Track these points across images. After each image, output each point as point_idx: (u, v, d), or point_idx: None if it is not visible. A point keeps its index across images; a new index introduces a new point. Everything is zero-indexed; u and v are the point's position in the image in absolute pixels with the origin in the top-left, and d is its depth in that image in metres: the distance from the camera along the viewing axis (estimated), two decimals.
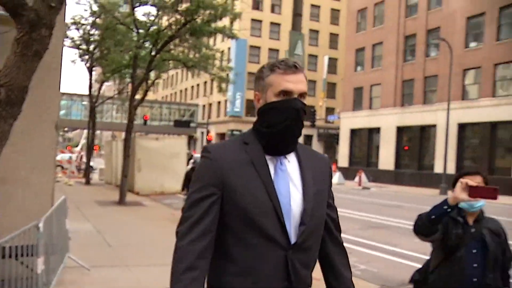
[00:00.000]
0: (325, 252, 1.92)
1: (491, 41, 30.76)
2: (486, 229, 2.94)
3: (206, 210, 1.71)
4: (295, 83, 1.78)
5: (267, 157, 1.79)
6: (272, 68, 1.81)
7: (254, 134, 1.85)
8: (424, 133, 35.74)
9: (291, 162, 1.84)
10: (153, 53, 16.97)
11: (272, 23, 57.24)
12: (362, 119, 41.36)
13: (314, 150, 2.03)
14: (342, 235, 2.01)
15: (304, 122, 1.84)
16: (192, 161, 14.88)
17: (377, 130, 39.88)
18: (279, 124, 1.76)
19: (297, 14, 7.91)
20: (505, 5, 30.10)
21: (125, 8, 19.33)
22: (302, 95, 1.80)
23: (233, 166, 1.74)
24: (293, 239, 1.72)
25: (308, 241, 1.76)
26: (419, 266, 3.32)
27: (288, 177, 1.79)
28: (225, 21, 17.36)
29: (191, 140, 61.02)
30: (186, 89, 71.68)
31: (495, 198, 2.33)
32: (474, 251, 2.90)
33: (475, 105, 31.21)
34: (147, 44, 18.06)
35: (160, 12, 17.26)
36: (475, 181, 2.72)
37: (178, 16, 16.34)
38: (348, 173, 37.96)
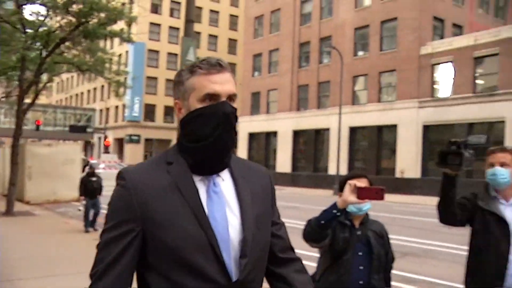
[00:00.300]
0: (277, 273, 1.65)
1: (376, 51, 33.22)
2: (371, 231, 2.98)
3: (122, 250, 1.42)
4: (222, 83, 1.50)
5: (196, 178, 1.50)
6: (192, 69, 1.53)
7: (179, 151, 1.54)
8: (319, 137, 37.48)
9: (225, 181, 1.55)
10: (43, 55, 16.19)
11: (171, 27, 56.83)
12: (259, 123, 42.43)
13: (251, 162, 1.75)
14: None
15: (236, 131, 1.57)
16: (88, 167, 14.46)
17: (274, 134, 41.12)
18: (208, 135, 1.47)
19: (189, 21, 7.94)
20: (385, 20, 32.77)
21: (11, 5, 18.17)
22: (231, 97, 1.52)
23: (155, 194, 1.44)
24: (234, 276, 1.44)
25: (252, 273, 1.49)
26: (313, 264, 3.32)
27: (224, 200, 1.51)
28: (122, 24, 17.02)
29: (88, 146, 58.64)
30: (82, 93, 68.76)
31: (382, 198, 2.26)
32: (360, 253, 2.91)
33: (363, 109, 33.41)
34: (37, 45, 17.16)
35: (50, 12, 16.49)
36: (361, 183, 2.60)
37: (71, 18, 15.75)
38: None
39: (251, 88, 43.96)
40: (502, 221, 2.97)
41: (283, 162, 39.81)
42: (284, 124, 39.72)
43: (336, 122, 31.03)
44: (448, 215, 3.03)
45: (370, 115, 32.73)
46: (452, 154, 2.79)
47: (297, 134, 39.19)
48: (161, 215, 1.42)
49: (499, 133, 26.22)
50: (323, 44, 37.05)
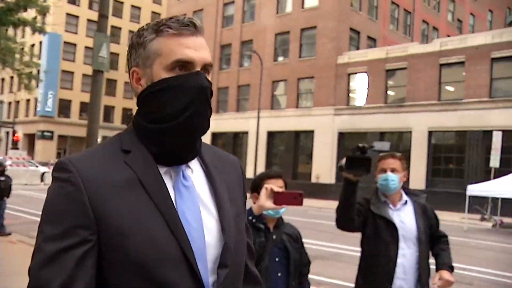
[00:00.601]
0: None
1: (295, 58, 34.01)
2: (286, 235, 2.80)
3: (75, 268, 1.05)
4: (196, 49, 1.19)
5: (162, 170, 1.19)
6: (159, 29, 1.20)
7: (137, 135, 1.21)
8: (237, 140, 37.69)
9: (195, 173, 1.25)
10: None
11: (89, 20, 54.62)
12: None
13: (219, 148, 1.47)
14: None
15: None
16: None
17: None
18: (179, 113, 1.17)
19: (102, 15, 7.63)
20: (305, 27, 33.69)
21: None
22: (207, 68, 1.23)
23: (112, 192, 1.11)
24: None
25: (231, 287, 1.22)
26: None
27: (197, 197, 1.21)
28: (34, 13, 16.10)
29: None
30: None
31: (301, 204, 2.06)
32: (277, 259, 2.72)
33: (282, 114, 34.04)
34: None
35: None
36: (277, 185, 2.49)
37: None
38: None
39: None
40: (391, 225, 3.05)
41: None
42: None
43: (255, 125, 31.35)
44: (348, 220, 3.03)
45: (288, 120, 33.40)
46: (360, 160, 2.78)
47: (215, 136, 39.13)
48: (121, 219, 1.09)
49: (407, 143, 27.86)
50: (244, 47, 37.34)
